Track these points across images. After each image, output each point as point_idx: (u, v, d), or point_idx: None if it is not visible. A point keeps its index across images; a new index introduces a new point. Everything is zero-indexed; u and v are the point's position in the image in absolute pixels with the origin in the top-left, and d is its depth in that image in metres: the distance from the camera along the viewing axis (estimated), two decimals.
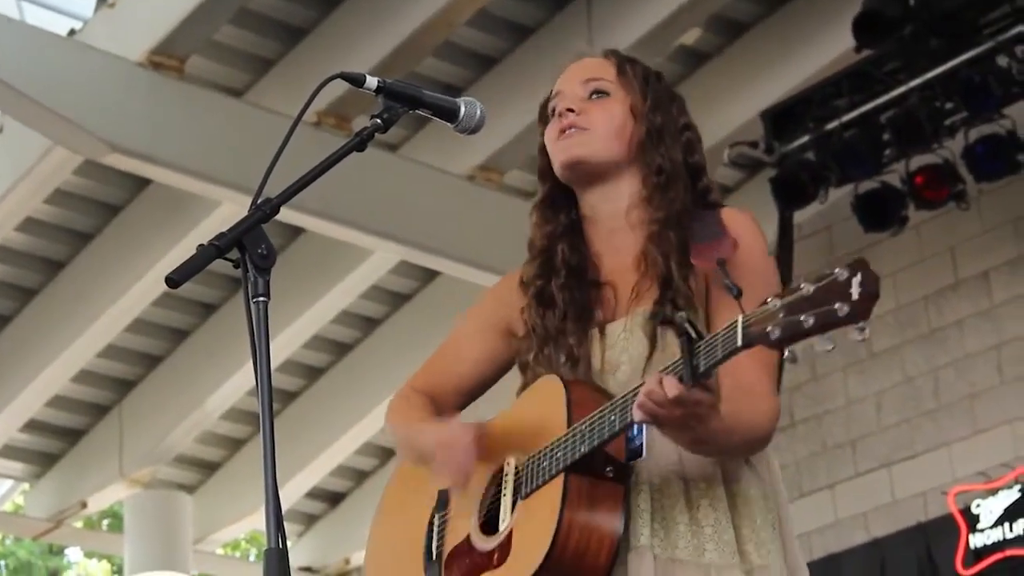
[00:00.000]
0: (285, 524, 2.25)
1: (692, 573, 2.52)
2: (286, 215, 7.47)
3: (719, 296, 2.54)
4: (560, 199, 2.77)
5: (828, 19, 7.13)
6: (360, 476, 9.44)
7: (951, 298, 7.63)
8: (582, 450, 2.50)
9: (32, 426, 8.70)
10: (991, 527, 7.11)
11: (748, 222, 2.66)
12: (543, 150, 2.78)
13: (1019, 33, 6.41)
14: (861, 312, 2.17)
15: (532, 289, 2.73)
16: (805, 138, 7.02)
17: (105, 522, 13.95)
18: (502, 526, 2.59)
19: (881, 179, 7.06)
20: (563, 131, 2.71)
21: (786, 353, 2.27)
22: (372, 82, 2.52)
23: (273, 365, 2.30)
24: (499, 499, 2.63)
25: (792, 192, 7.13)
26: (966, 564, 7.14)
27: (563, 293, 2.69)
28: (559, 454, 2.53)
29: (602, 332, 2.66)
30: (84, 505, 8.95)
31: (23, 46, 6.55)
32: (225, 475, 9.25)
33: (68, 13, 7.31)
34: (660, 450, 2.55)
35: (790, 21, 7.34)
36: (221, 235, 2.33)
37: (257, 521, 9.21)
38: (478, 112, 2.61)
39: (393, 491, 2.87)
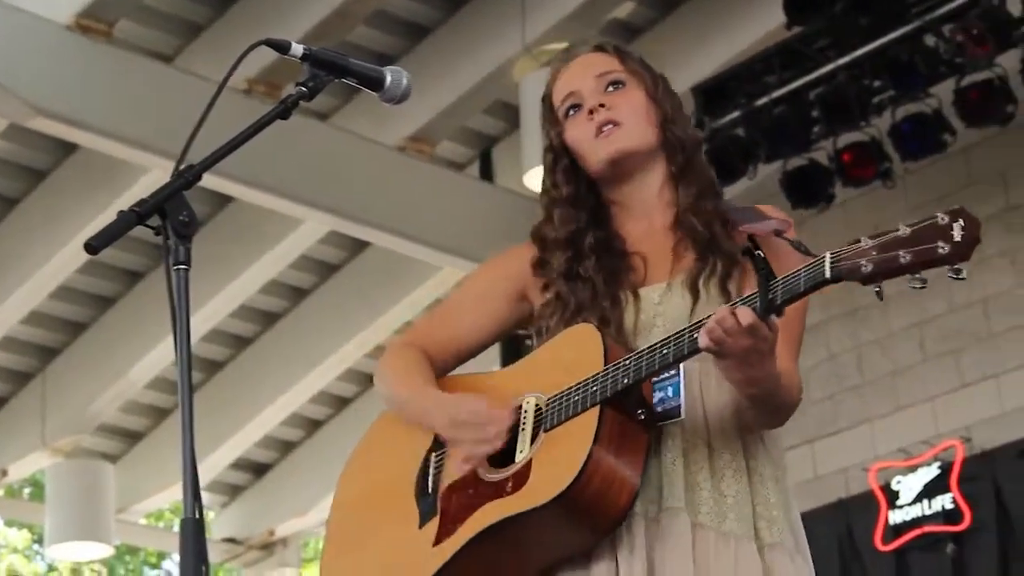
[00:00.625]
0: (210, 495, 2.24)
1: (712, 539, 2.54)
2: (216, 183, 7.44)
3: (774, 261, 2.54)
4: (584, 194, 2.80)
5: None
6: (286, 447, 9.40)
7: None
8: (625, 382, 2.51)
9: None
10: (910, 504, 7.19)
11: (786, 216, 2.72)
12: (557, 150, 2.79)
13: (947, 13, 6.46)
14: (962, 254, 2.26)
15: (559, 272, 2.75)
16: (735, 114, 7.04)
17: (26, 491, 13.83)
18: (519, 456, 2.58)
19: (809, 156, 7.11)
20: (600, 128, 2.74)
21: (875, 288, 2.31)
22: (297, 49, 2.51)
23: (200, 334, 2.30)
24: (512, 437, 2.60)
25: (722, 168, 7.13)
26: (885, 540, 7.22)
27: (595, 267, 2.72)
28: (595, 388, 2.54)
29: (636, 295, 2.68)
30: (5, 473, 8.87)
31: None
32: (149, 445, 9.20)
33: None
34: (689, 418, 2.57)
35: None
36: (142, 201, 2.31)
37: (180, 492, 9.15)
38: (404, 81, 2.61)
39: (370, 442, 2.84)
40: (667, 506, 2.55)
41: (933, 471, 7.18)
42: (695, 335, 2.45)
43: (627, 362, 2.53)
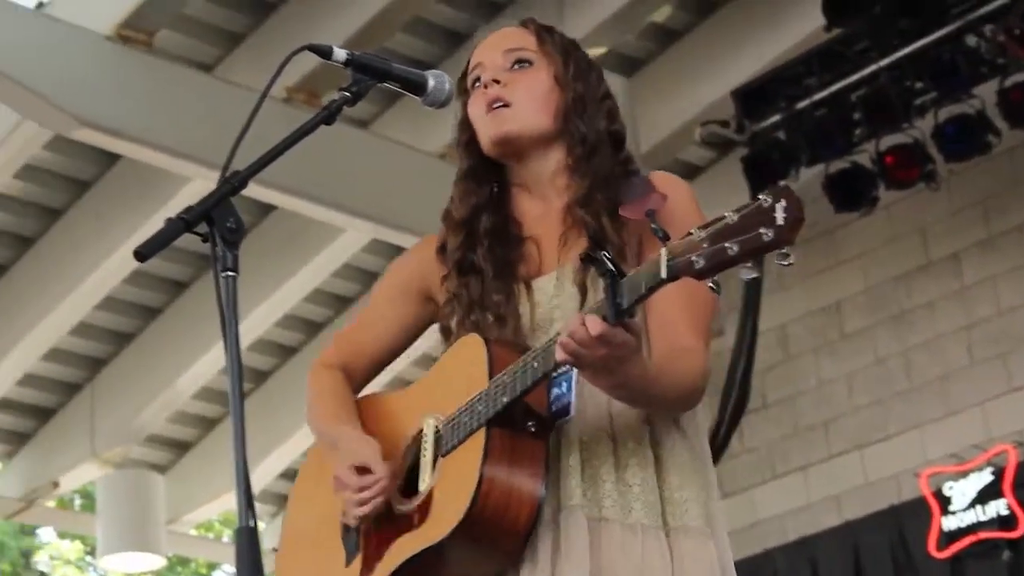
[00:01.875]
0: (259, 505, 2.24)
1: (618, 532, 2.48)
2: (258, 192, 7.45)
3: (651, 248, 2.50)
4: (483, 171, 2.74)
5: None
6: None
7: (921, 279, 7.65)
8: (503, 400, 2.46)
9: (3, 405, 8.66)
10: (963, 510, 7.12)
11: (677, 181, 2.65)
12: (464, 124, 2.74)
13: (988, 13, 6.43)
14: (786, 238, 2.15)
15: (452, 260, 2.70)
16: (776, 117, 7.02)
17: (77, 502, 13.91)
18: (422, 486, 2.55)
19: (852, 159, 7.08)
20: (490, 105, 2.67)
21: (709, 284, 2.22)
22: (340, 54, 2.51)
23: (245, 344, 2.32)
24: (418, 462, 2.58)
25: (763, 171, 7.13)
26: (940, 547, 7.15)
27: (487, 256, 2.66)
28: (480, 408, 2.49)
29: (528, 287, 2.63)
30: (56, 485, 8.91)
31: None
32: (197, 455, 9.23)
33: None
34: (590, 409, 2.52)
35: (761, 0, 7.34)
36: (189, 208, 2.32)
37: (230, 501, 9.19)
38: (447, 85, 2.61)
39: (307, 470, 2.85)
40: (564, 505, 2.49)
41: (986, 476, 7.11)
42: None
43: (505, 378, 2.47)
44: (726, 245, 2.18)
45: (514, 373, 2.46)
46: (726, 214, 2.19)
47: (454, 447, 2.52)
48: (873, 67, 6.72)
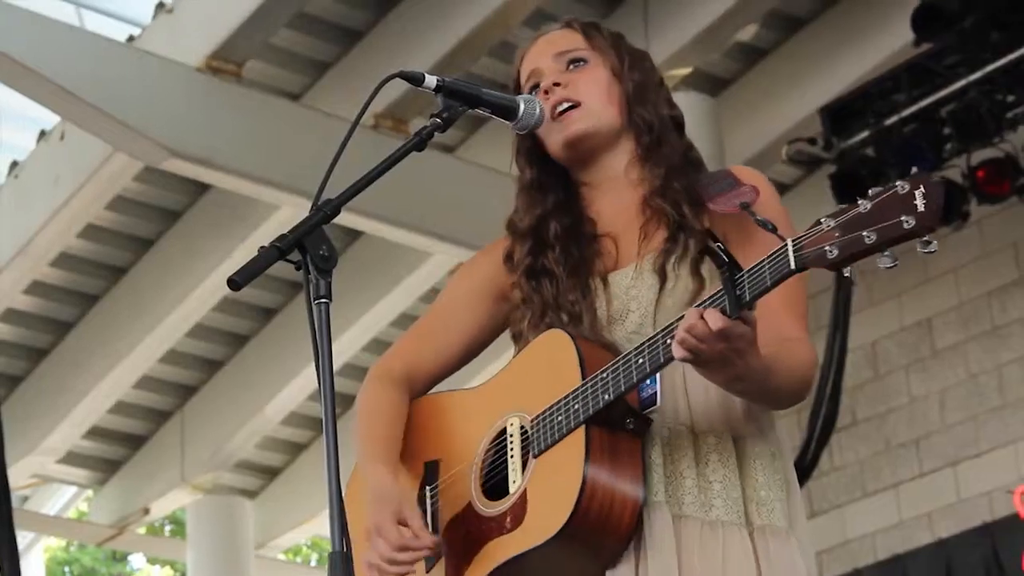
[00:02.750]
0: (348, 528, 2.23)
1: (698, 529, 2.43)
2: (345, 218, 7.49)
3: (745, 240, 2.45)
4: (547, 178, 2.70)
5: (886, 13, 7.07)
6: None
7: (1015, 294, 7.55)
8: (606, 398, 2.40)
9: (95, 433, 8.75)
10: None
11: (760, 174, 2.59)
12: (523, 135, 2.69)
13: None
14: (928, 225, 2.09)
15: (522, 268, 2.65)
16: (864, 134, 6.96)
17: (168, 528, 14.03)
18: (512, 487, 2.48)
19: (942, 174, 7.00)
20: (555, 109, 2.63)
21: (846, 273, 2.17)
22: (431, 81, 2.51)
23: (334, 369, 2.31)
24: (501, 462, 2.52)
25: (852, 188, 7.06)
26: None
27: (559, 258, 2.61)
28: (577, 406, 2.43)
29: (605, 282, 2.58)
30: (147, 511, 9.00)
31: (83, 53, 6.59)
32: (286, 480, 9.28)
33: (127, 19, 7.35)
34: (669, 403, 2.47)
35: (848, 15, 7.29)
36: (282, 236, 2.33)
37: (318, 527, 9.23)
38: (537, 110, 2.62)
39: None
40: (649, 501, 2.43)
41: None
42: (669, 342, 2.33)
43: (605, 375, 2.41)
44: (863, 234, 2.13)
45: (615, 370, 2.41)
46: (859, 201, 2.15)
47: (548, 447, 2.46)
48: (963, 82, 6.64)
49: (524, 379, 2.56)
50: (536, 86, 2.68)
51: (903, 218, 2.10)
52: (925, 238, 2.11)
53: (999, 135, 6.75)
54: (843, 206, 2.17)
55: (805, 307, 2.52)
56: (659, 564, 2.40)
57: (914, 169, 2.16)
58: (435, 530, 2.56)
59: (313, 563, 14.23)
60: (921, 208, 2.10)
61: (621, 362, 2.41)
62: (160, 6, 6.94)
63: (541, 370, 2.52)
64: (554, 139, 2.66)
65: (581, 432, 2.41)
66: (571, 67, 2.67)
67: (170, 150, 6.61)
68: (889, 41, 7.09)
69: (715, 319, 2.27)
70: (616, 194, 2.66)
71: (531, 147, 2.71)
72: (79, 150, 7.09)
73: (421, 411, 2.69)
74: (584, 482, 2.37)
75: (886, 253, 2.14)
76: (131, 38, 6.99)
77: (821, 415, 7.37)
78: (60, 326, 8.26)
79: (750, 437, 2.50)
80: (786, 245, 2.21)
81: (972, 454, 7.54)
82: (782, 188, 7.94)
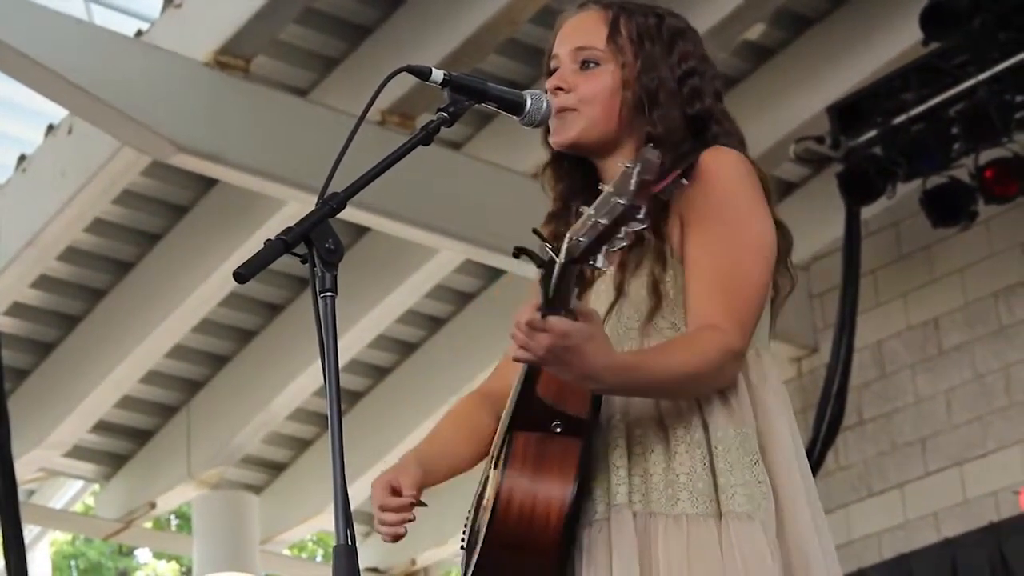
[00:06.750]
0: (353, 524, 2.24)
1: (665, 525, 2.43)
2: (351, 214, 7.50)
3: (692, 221, 2.44)
4: (565, 160, 2.71)
5: (894, 12, 7.06)
6: None
7: (1022, 294, 7.54)
8: (512, 406, 2.43)
9: (102, 427, 8.76)
10: None
11: (720, 157, 2.54)
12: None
13: None
14: (633, 203, 2.07)
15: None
16: (872, 133, 6.96)
17: (174, 522, 14.04)
18: (486, 501, 2.54)
19: (950, 173, 6.99)
20: (558, 111, 2.64)
21: (598, 261, 2.15)
22: (438, 75, 2.52)
23: (339, 364, 2.32)
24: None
25: (859, 187, 7.07)
26: None
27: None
28: (508, 413, 2.47)
29: (591, 289, 2.61)
30: (153, 506, 9.00)
31: (91, 47, 6.59)
32: (292, 476, 9.28)
33: (135, 14, 7.36)
34: (636, 400, 2.47)
35: (856, 15, 7.28)
36: (288, 230, 2.34)
37: (324, 522, 9.24)
38: (544, 104, 2.62)
39: None
40: (612, 503, 2.45)
41: None
42: None
43: (516, 383, 2.45)
44: (598, 219, 2.11)
45: (519, 376, 2.44)
46: (603, 187, 2.13)
47: (496, 456, 2.52)
48: (971, 81, 6.64)
49: (513, 391, 2.59)
50: (553, 71, 2.70)
51: (617, 199, 2.08)
52: (637, 216, 2.08)
53: (1007, 135, 6.75)
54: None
55: (749, 297, 2.46)
56: (621, 567, 2.40)
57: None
58: (471, 542, 2.61)
59: (319, 559, 14.24)
60: (632, 186, 2.07)
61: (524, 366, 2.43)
62: (168, 1, 6.94)
63: (514, 381, 2.56)
64: (555, 139, 2.67)
65: (507, 440, 2.45)
66: (584, 67, 2.67)
67: (178, 145, 6.61)
68: (897, 40, 7.09)
69: (524, 311, 2.28)
70: None
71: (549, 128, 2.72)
72: (87, 144, 7.09)
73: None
74: (499, 489, 2.40)
75: (620, 235, 2.11)
76: (139, 33, 6.99)
77: (827, 414, 7.37)
78: (67, 320, 8.26)
79: (716, 421, 2.47)
80: (568, 235, 2.19)
81: (978, 454, 7.53)
82: (790, 187, 7.93)
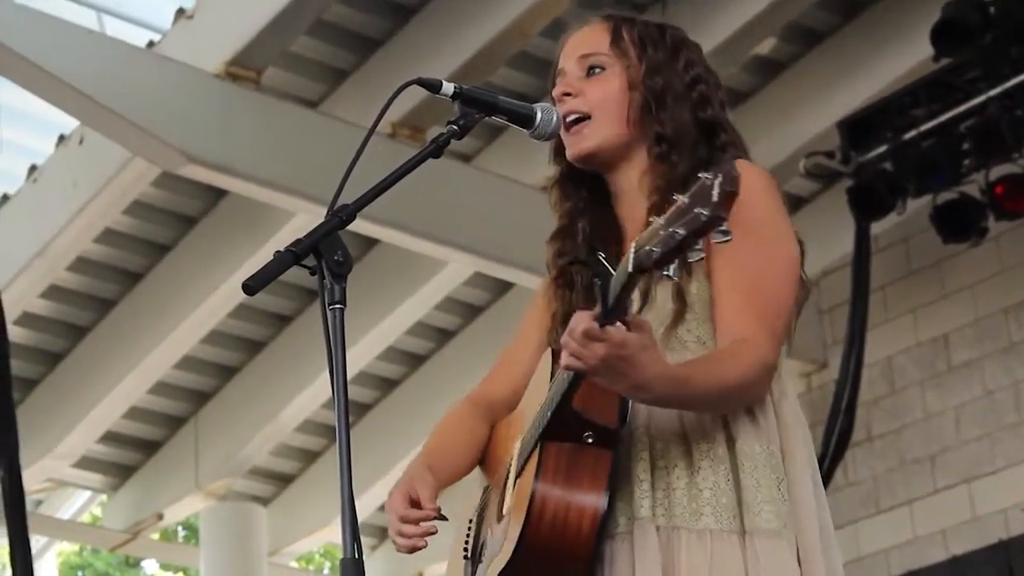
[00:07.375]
0: (361, 537, 2.24)
1: (688, 539, 2.43)
2: (360, 226, 7.51)
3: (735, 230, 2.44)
4: (580, 174, 2.70)
5: (906, 28, 7.06)
6: None
7: None
8: (548, 416, 2.41)
9: (109, 438, 8.76)
10: None
11: (748, 171, 2.51)
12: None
13: None
14: (718, 214, 2.05)
15: (553, 274, 2.67)
16: (882, 148, 6.95)
17: (181, 534, 14.04)
18: (504, 511, 2.53)
19: (960, 189, 6.99)
20: (566, 119, 2.64)
21: (668, 272, 2.13)
22: (448, 88, 2.52)
23: (348, 377, 2.32)
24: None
25: (869, 203, 7.06)
26: None
27: (579, 267, 2.62)
28: (538, 423, 2.46)
29: None
30: (160, 517, 9.00)
31: (103, 58, 6.61)
32: (300, 488, 9.28)
33: (147, 25, 7.38)
34: (659, 413, 2.46)
35: (867, 30, 7.28)
36: (298, 241, 2.34)
37: (331, 534, 9.23)
38: (554, 118, 2.62)
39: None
40: (635, 517, 2.44)
41: None
42: None
43: (551, 391, 2.43)
44: (674, 230, 2.10)
45: (553, 386, 2.43)
46: (678, 197, 2.13)
47: (522, 467, 2.50)
48: (982, 97, 6.63)
49: (529, 401, 2.60)
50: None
51: (699, 210, 2.07)
52: (721, 228, 2.08)
53: (1018, 151, 6.74)
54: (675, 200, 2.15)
55: (778, 306, 2.47)
56: None
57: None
58: (472, 555, 2.62)
59: (326, 571, 14.23)
60: (715, 198, 2.06)
61: (558, 376, 2.42)
62: (180, 12, 6.96)
63: (536, 390, 2.56)
64: (568, 153, 2.67)
65: (537, 449, 2.44)
66: (590, 73, 2.67)
67: (188, 156, 6.62)
68: (908, 56, 7.08)
69: (581, 320, 2.26)
70: (633, 205, 2.66)
71: (559, 145, 2.72)
72: (98, 155, 7.10)
73: (497, 433, 2.74)
74: (532, 497, 2.39)
75: (697, 247, 2.11)
76: (151, 44, 7.01)
77: (836, 430, 7.35)
78: (76, 330, 8.27)
79: (743, 437, 2.47)
80: (631, 247, 2.17)
81: (988, 471, 7.51)
82: (799, 202, 7.92)
